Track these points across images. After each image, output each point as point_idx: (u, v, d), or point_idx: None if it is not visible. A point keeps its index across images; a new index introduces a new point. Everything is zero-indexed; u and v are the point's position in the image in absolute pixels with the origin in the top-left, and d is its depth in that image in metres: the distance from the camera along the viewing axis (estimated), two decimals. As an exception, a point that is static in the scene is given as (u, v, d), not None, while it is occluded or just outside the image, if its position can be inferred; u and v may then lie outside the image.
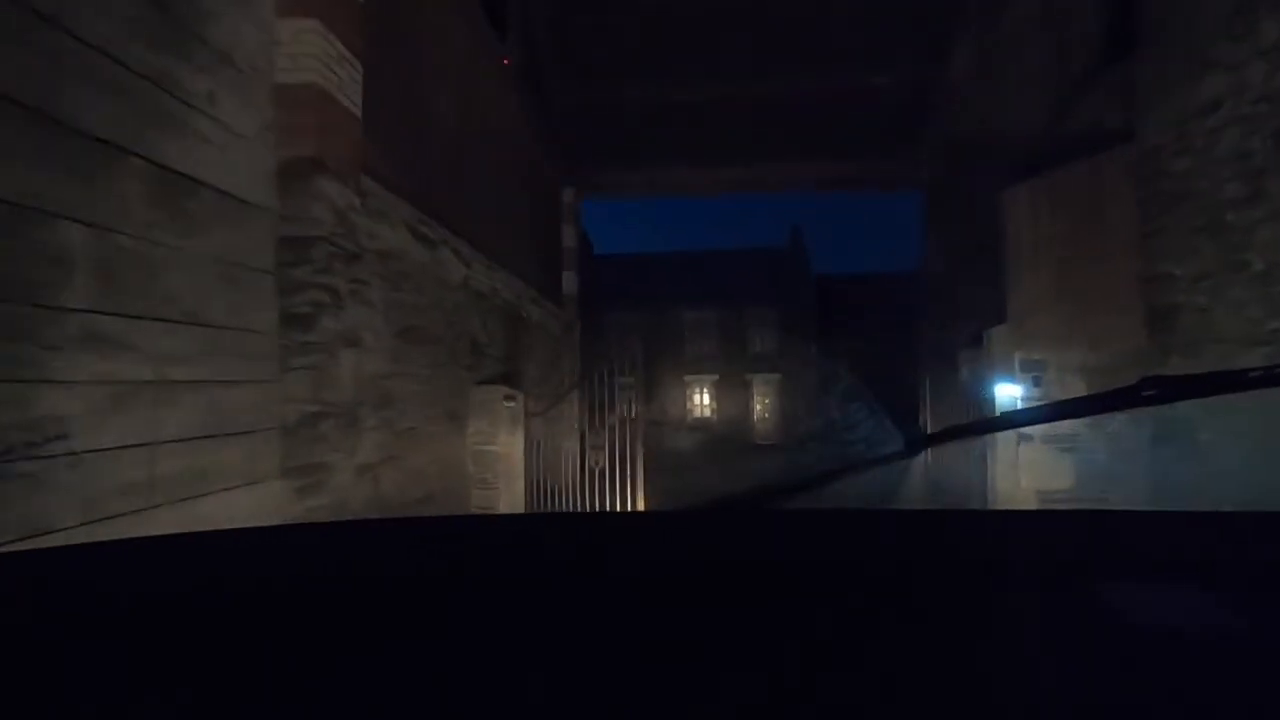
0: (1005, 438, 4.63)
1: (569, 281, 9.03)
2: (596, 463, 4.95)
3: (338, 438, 2.94)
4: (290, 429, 2.78)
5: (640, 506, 4.94)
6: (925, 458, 6.46)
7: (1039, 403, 4.35)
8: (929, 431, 6.61)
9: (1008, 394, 4.58)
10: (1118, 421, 4.14)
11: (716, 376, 22.79)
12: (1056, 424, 4.44)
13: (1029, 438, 4.57)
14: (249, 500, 2.48)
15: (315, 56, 2.84)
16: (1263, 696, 0.39)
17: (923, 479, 6.35)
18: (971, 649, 0.47)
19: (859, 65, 7.31)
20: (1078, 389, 4.39)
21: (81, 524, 1.72)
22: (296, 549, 0.76)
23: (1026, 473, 4.55)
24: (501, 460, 4.72)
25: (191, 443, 2.18)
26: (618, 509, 4.83)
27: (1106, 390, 0.85)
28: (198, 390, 2.21)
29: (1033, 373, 4.50)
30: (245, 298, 2.52)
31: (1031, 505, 4.45)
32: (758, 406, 22.76)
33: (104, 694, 0.41)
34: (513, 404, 5.00)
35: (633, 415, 5.03)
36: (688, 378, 22.65)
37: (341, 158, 2.99)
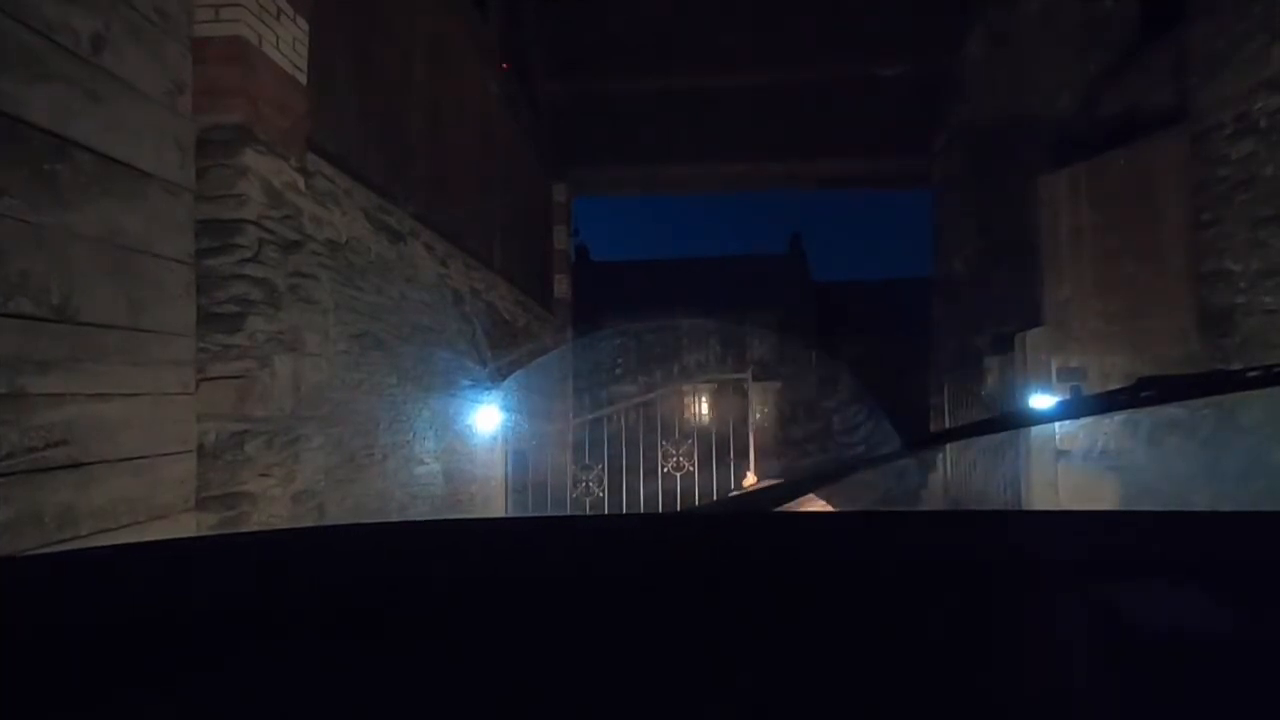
0: (1040, 454, 4.17)
1: (561, 286, 8.56)
2: (680, 468, 5.06)
3: (269, 460, 2.46)
4: (210, 451, 2.30)
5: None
6: (945, 477, 5.99)
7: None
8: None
9: (1044, 406, 4.12)
10: (1176, 436, 3.67)
11: (714, 385, 22.53)
12: (1101, 441, 4.03)
13: (1067, 454, 4.10)
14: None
15: (244, 6, 2.38)
16: (1263, 698, 0.38)
17: (941, 501, 5.86)
18: (970, 650, 0.45)
19: (867, 53, 6.88)
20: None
21: None
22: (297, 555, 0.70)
23: (1064, 494, 4.08)
24: (478, 481, 4.24)
25: (53, 474, 1.69)
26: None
27: (1105, 391, 0.85)
28: (63, 405, 1.73)
29: (1072, 381, 4.03)
30: (146, 291, 2.05)
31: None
32: (756, 415, 22.47)
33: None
34: (492, 416, 4.52)
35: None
36: (685, 386, 22.36)
37: (277, 128, 2.52)
